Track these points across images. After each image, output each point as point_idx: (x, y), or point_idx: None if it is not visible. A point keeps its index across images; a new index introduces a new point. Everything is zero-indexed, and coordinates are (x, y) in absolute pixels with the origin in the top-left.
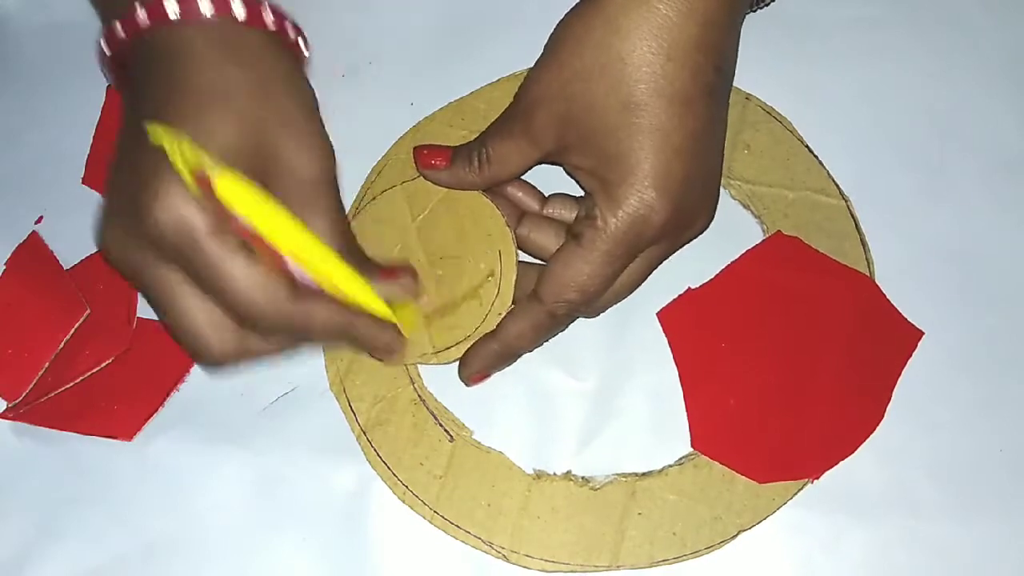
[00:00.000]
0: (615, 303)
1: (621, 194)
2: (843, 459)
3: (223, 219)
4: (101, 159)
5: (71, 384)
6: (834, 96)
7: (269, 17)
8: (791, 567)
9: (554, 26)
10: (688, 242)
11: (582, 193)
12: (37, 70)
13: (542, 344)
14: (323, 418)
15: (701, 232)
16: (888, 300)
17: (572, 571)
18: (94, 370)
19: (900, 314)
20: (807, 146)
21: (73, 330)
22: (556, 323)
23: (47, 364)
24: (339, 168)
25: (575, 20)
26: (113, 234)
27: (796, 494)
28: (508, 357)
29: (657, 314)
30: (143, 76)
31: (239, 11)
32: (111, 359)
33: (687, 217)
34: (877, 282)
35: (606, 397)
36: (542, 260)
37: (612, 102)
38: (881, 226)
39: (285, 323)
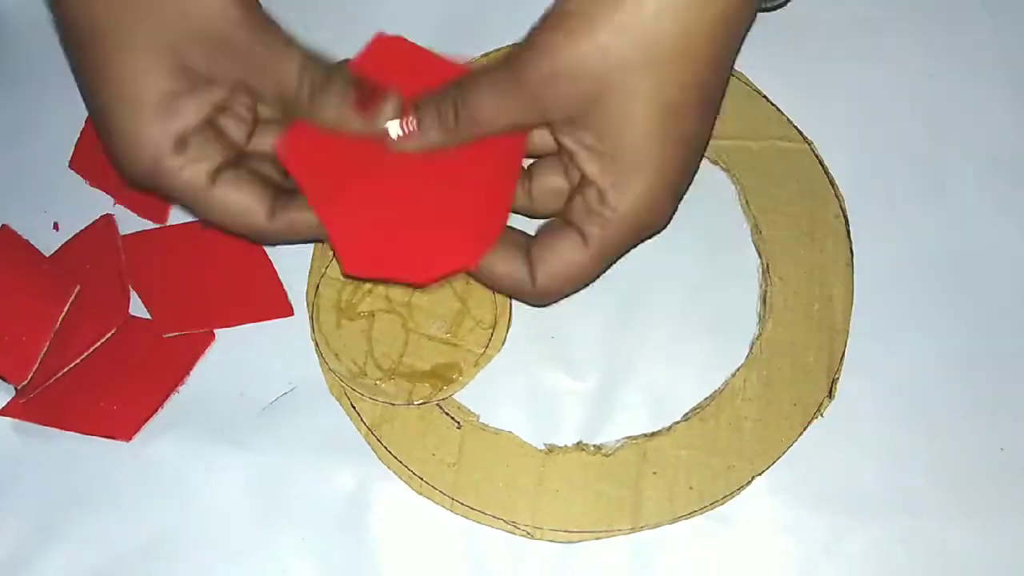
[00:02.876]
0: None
1: (636, 188)
2: (496, 236)
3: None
4: (91, 146)
5: (76, 362)
6: (834, 96)
7: None
8: (791, 567)
9: None
10: None
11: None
12: (37, 68)
13: None
14: (323, 418)
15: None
16: None
17: (597, 538)
18: (97, 344)
19: None
20: (763, 95)
21: (67, 306)
22: (539, 304)
23: (47, 344)
24: None
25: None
26: (124, 170)
27: (802, 433)
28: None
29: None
30: None
31: None
32: (112, 332)
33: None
34: (874, 281)
35: (606, 397)
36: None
37: (653, 105)
38: (881, 226)
39: (272, 238)
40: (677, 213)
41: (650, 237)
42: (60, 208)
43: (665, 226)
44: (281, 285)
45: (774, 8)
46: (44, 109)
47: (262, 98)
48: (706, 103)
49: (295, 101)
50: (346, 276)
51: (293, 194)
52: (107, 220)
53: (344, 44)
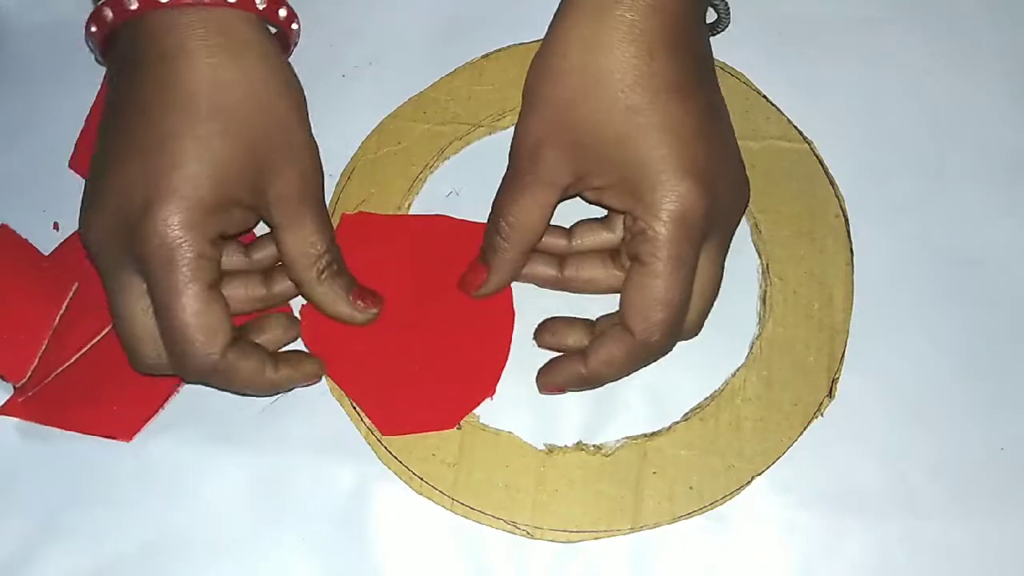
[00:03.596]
0: (706, 310)
1: (657, 197)
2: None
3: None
4: (90, 145)
5: (75, 359)
6: (834, 96)
7: None
8: (791, 567)
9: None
10: (739, 221)
11: (603, 213)
12: (37, 69)
13: (632, 373)
14: (323, 418)
15: (746, 207)
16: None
17: (596, 538)
18: (95, 341)
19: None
20: (764, 96)
21: (65, 305)
22: (652, 351)
23: (46, 341)
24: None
25: (547, 57)
26: (98, 223)
27: (802, 433)
28: (592, 382)
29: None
30: (131, 64)
31: None
32: (109, 328)
33: (727, 198)
34: (875, 280)
35: (606, 397)
36: (597, 292)
37: (614, 114)
38: (881, 226)
39: (208, 371)
40: None
41: (739, 219)
42: (60, 208)
43: (746, 204)
44: None
45: (719, 32)
46: (44, 110)
47: (280, 253)
48: (687, 98)
49: (301, 273)
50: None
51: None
52: None
53: (345, 44)
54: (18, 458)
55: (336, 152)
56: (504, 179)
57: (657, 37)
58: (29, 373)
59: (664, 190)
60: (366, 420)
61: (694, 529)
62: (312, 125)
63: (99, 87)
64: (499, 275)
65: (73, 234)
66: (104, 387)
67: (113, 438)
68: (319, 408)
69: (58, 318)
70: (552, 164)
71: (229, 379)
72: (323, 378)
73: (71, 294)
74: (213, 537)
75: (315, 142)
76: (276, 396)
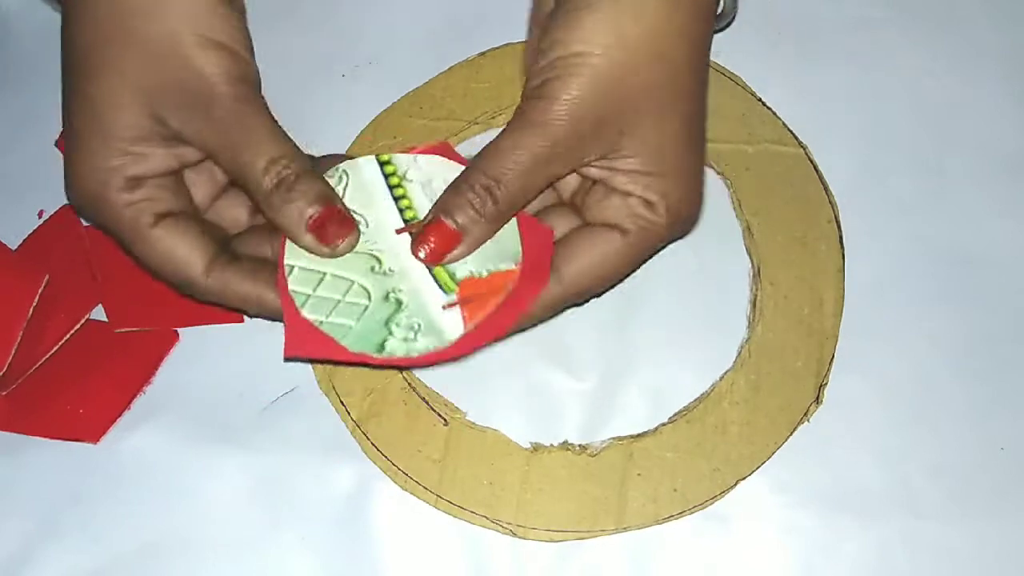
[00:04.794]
0: None
1: (682, 194)
2: None
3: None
4: None
5: (53, 351)
6: (834, 96)
7: None
8: (790, 567)
9: None
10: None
11: None
12: (37, 69)
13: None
14: (323, 418)
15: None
16: None
17: (580, 538)
18: (69, 335)
19: None
20: (759, 99)
21: (37, 296)
22: (567, 308)
23: (21, 333)
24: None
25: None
26: (72, 189)
27: (788, 438)
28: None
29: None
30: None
31: None
32: (83, 321)
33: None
34: (873, 281)
35: (601, 398)
36: None
37: (677, 118)
38: (880, 226)
39: (201, 294)
40: None
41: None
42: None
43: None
44: None
45: (724, 28)
46: (44, 109)
47: (228, 175)
48: (704, 104)
49: (254, 194)
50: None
51: (238, 258)
52: (67, 211)
53: (345, 44)
54: (17, 458)
55: (335, 152)
56: (510, 137)
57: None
58: (6, 365)
59: (690, 199)
60: (352, 413)
61: (693, 529)
62: (311, 125)
63: None
64: (473, 246)
65: (37, 228)
66: (69, 391)
67: (81, 440)
68: (319, 408)
69: (31, 310)
70: (594, 140)
71: (226, 299)
72: (320, 377)
73: (42, 286)
74: (213, 537)
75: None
76: (276, 396)
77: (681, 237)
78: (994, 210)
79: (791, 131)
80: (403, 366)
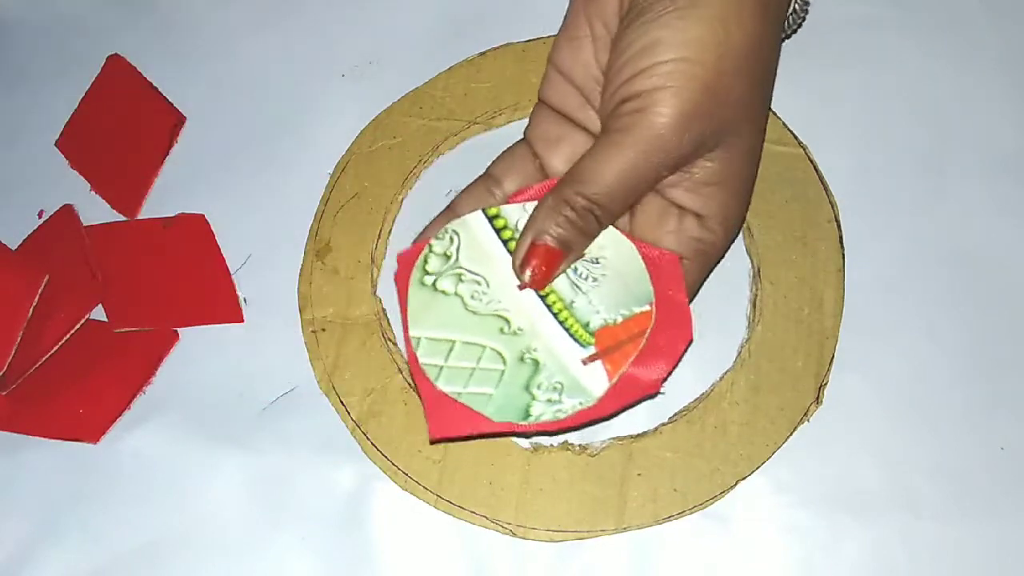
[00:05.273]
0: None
1: (735, 210)
2: None
3: None
4: (79, 128)
5: (52, 353)
6: (834, 96)
7: None
8: (791, 566)
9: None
10: None
11: None
12: (37, 69)
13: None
14: (323, 418)
15: None
16: None
17: (580, 538)
18: (69, 335)
19: None
20: None
21: (38, 296)
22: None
23: (21, 333)
24: None
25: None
26: None
27: (788, 438)
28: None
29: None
30: None
31: None
32: (83, 321)
33: None
34: (874, 280)
35: None
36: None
37: (755, 131)
38: (880, 226)
39: None
40: None
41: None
42: (55, 203)
43: None
44: (235, 291)
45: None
46: (42, 107)
47: None
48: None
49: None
50: (433, 443)
51: None
52: (67, 210)
53: (345, 44)
54: (17, 459)
55: (335, 152)
56: (611, 150)
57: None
58: (7, 365)
59: (739, 217)
60: (352, 413)
61: (693, 529)
62: (311, 124)
63: (93, 80)
64: (576, 258)
65: (37, 227)
66: (68, 391)
67: (80, 440)
68: (319, 408)
69: (31, 309)
70: (686, 143)
71: None
72: (319, 377)
73: (42, 286)
74: (213, 537)
75: None
76: (276, 396)
77: (728, 248)
78: (994, 210)
79: (791, 131)
80: (551, 431)
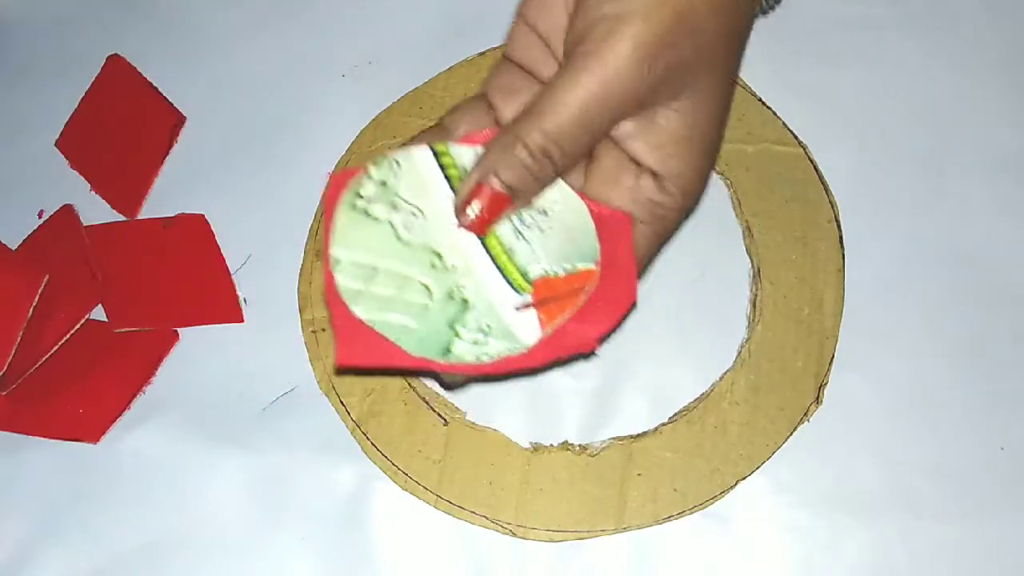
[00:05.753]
0: None
1: (698, 167)
2: None
3: None
4: (81, 128)
5: (52, 353)
6: (834, 96)
7: None
8: (790, 566)
9: None
10: None
11: None
12: (37, 69)
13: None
14: (323, 418)
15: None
16: None
17: (580, 538)
18: (69, 335)
19: None
20: (759, 99)
21: (38, 296)
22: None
23: (20, 333)
24: None
25: None
26: None
27: (788, 438)
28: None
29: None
30: None
31: None
32: (83, 321)
33: None
34: (874, 280)
35: (606, 397)
36: None
37: (725, 79)
38: (880, 226)
39: None
40: None
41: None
42: (54, 203)
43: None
44: (235, 291)
45: (768, 11)
46: (42, 106)
47: None
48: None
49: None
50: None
51: None
52: (67, 210)
53: (345, 44)
54: (16, 459)
55: (335, 152)
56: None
57: None
58: (6, 365)
59: (701, 178)
60: (352, 413)
61: (693, 529)
62: (311, 124)
63: (93, 80)
64: (524, 206)
65: (37, 228)
66: (68, 391)
67: (80, 440)
68: (319, 408)
69: (31, 309)
70: (658, 80)
71: None
72: (320, 377)
73: (42, 286)
74: (213, 537)
75: None
76: (276, 396)
77: (688, 217)
78: (994, 210)
79: (791, 131)
80: (472, 375)
